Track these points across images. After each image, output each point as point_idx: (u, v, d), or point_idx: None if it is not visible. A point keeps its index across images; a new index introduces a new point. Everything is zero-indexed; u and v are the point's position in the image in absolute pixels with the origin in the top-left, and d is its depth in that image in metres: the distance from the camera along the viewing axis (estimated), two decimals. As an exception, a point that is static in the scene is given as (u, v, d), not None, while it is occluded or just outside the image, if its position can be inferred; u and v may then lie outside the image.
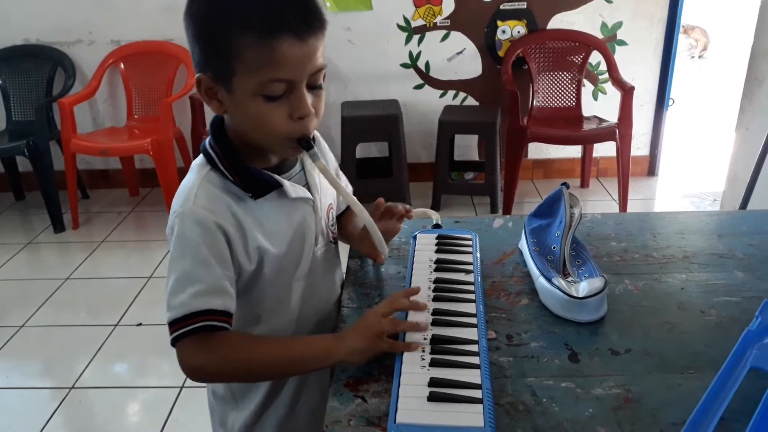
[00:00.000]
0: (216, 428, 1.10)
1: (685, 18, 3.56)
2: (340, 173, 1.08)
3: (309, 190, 0.98)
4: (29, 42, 3.43)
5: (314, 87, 0.86)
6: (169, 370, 2.20)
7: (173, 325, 0.84)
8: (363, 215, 0.98)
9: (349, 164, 3.13)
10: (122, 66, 3.44)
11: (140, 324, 2.47)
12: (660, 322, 0.95)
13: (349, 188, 1.06)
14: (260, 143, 0.90)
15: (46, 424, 1.97)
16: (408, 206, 1.11)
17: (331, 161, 1.08)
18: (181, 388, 2.10)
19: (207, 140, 0.93)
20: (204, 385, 1.08)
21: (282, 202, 0.93)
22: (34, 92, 3.41)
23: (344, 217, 1.16)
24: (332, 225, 1.06)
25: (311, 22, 0.82)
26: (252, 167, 0.90)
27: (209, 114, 1.12)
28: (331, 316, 1.07)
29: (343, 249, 1.18)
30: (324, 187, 1.02)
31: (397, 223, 1.10)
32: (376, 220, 1.03)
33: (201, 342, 0.84)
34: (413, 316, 0.91)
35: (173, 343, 0.85)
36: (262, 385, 1.02)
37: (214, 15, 0.82)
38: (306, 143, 0.88)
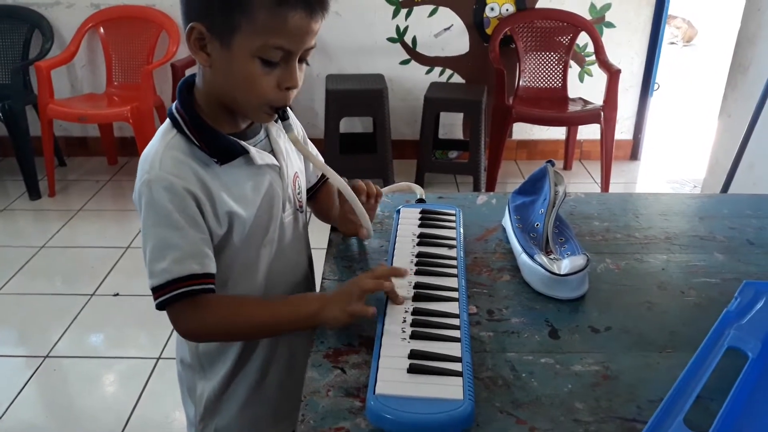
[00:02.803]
0: (185, 398, 1.09)
1: (673, 7, 3.54)
2: (308, 142, 1.06)
3: (274, 156, 0.98)
4: (5, 2, 3.32)
5: (301, 61, 0.89)
6: (146, 340, 2.18)
7: (156, 291, 0.86)
8: (336, 180, 0.96)
9: (332, 139, 3.10)
10: (102, 30, 3.35)
11: (117, 294, 2.44)
12: (640, 301, 0.96)
13: (319, 157, 1.04)
14: (238, 104, 0.90)
15: (19, 392, 1.95)
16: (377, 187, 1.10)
17: (299, 129, 1.06)
18: (158, 359, 2.08)
19: (174, 104, 0.92)
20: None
21: (249, 168, 0.93)
22: (9, 54, 3.31)
23: (320, 194, 1.15)
24: (299, 193, 1.05)
25: (323, 3, 0.85)
26: (218, 132, 0.90)
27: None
28: (299, 287, 1.07)
29: (322, 224, 1.17)
30: (290, 154, 1.02)
31: (369, 200, 1.08)
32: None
33: (189, 306, 0.87)
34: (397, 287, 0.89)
35: (161, 308, 0.87)
36: (230, 355, 1.01)
37: None
38: (283, 113, 0.91)
